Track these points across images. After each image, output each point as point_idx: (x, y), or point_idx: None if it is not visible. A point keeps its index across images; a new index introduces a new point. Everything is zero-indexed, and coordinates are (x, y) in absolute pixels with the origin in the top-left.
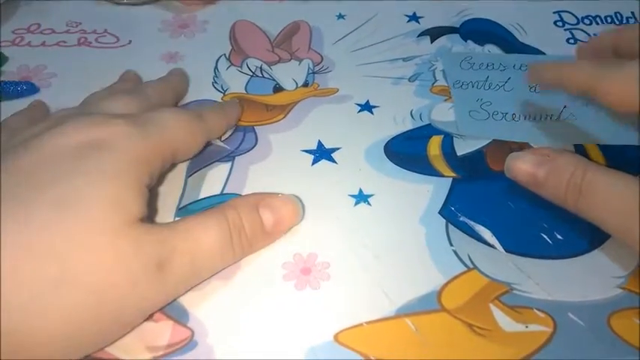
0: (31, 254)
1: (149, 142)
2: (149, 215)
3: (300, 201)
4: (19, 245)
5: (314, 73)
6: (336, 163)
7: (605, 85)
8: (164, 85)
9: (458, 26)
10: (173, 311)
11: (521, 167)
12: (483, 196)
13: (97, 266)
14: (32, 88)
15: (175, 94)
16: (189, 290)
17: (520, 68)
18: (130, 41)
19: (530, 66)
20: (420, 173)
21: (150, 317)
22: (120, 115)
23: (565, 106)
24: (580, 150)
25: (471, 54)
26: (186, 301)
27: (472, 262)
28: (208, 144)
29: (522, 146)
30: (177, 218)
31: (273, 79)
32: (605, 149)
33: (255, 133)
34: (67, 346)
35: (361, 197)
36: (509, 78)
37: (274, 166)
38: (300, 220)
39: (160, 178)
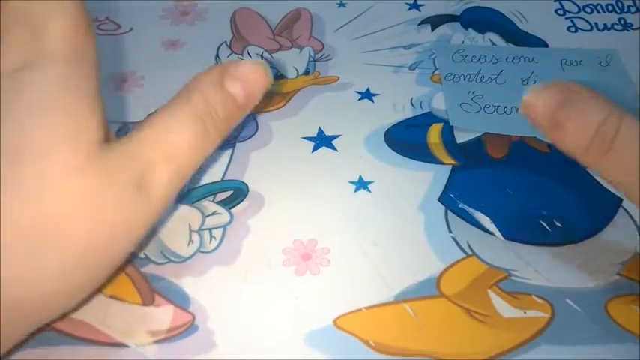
0: (5, 216)
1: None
2: None
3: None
4: None
5: (315, 61)
6: (336, 150)
7: None
8: None
9: (459, 14)
10: (174, 296)
11: (539, 104)
12: (483, 183)
13: (76, 211)
14: None
15: None
16: (190, 276)
17: (512, 61)
18: (132, 29)
19: None
20: (420, 161)
21: (151, 302)
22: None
23: None
24: None
25: (464, 46)
26: (187, 286)
27: (471, 248)
28: None
29: (522, 136)
30: (178, 205)
31: (274, 67)
32: None
33: (256, 120)
34: (67, 297)
35: (361, 184)
36: (501, 71)
37: (275, 153)
38: (271, 82)
39: None
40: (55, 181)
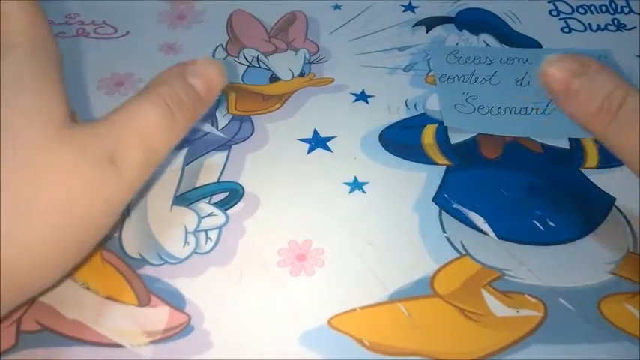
0: None
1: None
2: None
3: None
4: None
5: (310, 63)
6: (331, 151)
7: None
8: None
9: (453, 16)
10: (170, 297)
11: (555, 72)
12: (477, 183)
13: (49, 184)
14: None
15: None
16: (185, 277)
17: (507, 62)
18: (128, 32)
19: None
20: (415, 161)
21: (147, 303)
22: None
23: (551, 100)
24: (576, 143)
25: (458, 48)
26: (182, 286)
27: (465, 248)
28: (206, 133)
29: (516, 136)
30: (174, 206)
31: (270, 69)
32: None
33: (252, 122)
34: (47, 271)
35: (356, 185)
36: (495, 72)
37: (270, 154)
38: (226, 79)
39: (158, 168)
40: (31, 151)
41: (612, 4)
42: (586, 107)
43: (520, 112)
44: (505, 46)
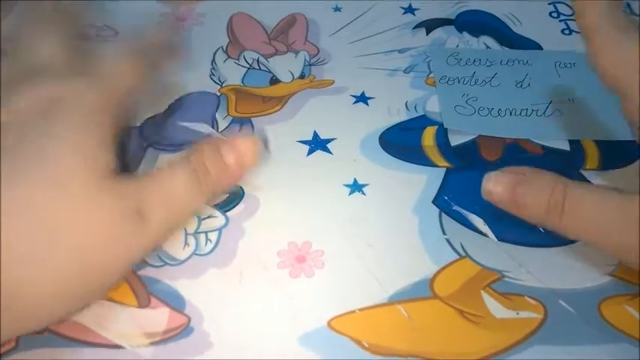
0: (10, 220)
1: (100, 89)
2: None
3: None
4: None
5: (310, 65)
6: (331, 153)
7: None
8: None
9: (453, 18)
10: (170, 298)
11: (498, 190)
12: (476, 185)
13: (78, 223)
14: None
15: None
16: (185, 279)
17: (507, 64)
18: (130, 35)
19: None
20: (414, 163)
21: (147, 304)
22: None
23: (551, 102)
24: (576, 145)
25: (458, 50)
26: (182, 288)
27: (464, 250)
28: (207, 135)
29: (516, 138)
30: None
31: (270, 72)
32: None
33: (252, 124)
34: (55, 306)
35: (356, 187)
36: (495, 74)
37: (270, 156)
38: (260, 161)
39: None
40: (69, 188)
41: None
42: (536, 210)
43: (520, 114)
44: (505, 48)
